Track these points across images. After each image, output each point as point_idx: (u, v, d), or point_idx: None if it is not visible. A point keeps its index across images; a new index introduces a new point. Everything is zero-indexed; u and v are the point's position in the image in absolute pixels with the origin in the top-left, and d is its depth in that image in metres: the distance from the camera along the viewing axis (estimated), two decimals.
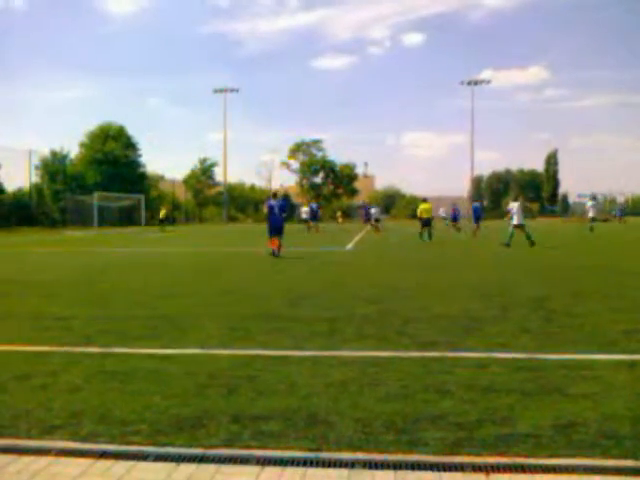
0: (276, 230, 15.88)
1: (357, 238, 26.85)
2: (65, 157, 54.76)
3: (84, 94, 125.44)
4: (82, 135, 60.93)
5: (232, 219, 74.23)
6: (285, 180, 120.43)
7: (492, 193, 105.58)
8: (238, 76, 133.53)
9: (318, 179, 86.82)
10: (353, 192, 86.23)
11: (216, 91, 66.75)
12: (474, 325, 6.13)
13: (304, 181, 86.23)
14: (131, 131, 63.04)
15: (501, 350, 5.01)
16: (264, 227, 17.53)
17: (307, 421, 3.44)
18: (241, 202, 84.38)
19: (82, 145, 60.09)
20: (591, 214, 30.12)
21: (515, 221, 19.23)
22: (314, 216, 37.26)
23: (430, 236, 23.08)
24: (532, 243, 18.63)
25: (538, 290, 8.78)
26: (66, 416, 3.55)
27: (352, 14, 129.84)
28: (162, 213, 43.17)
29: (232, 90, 66.56)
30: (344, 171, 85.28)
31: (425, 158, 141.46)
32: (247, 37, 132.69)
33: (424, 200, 24.06)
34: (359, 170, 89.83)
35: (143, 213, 52.43)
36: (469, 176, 72.58)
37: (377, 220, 35.25)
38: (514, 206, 19.45)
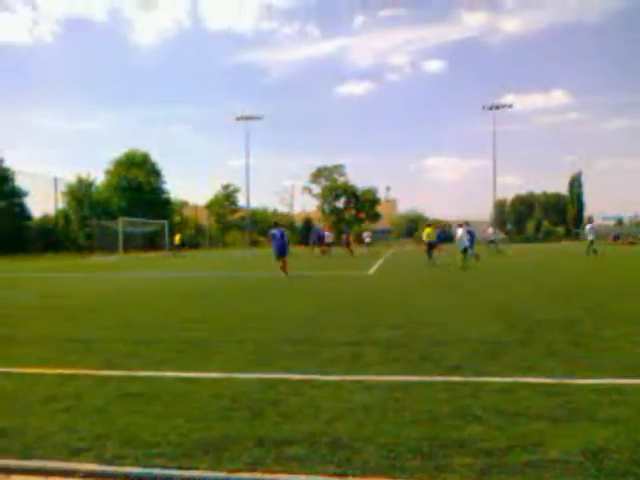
0: (281, 253, 18.60)
1: (379, 262, 26.76)
2: (91, 184, 55.77)
3: (110, 123, 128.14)
4: (108, 162, 62.19)
5: (254, 243, 74.60)
6: (307, 205, 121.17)
7: (516, 216, 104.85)
8: (261, 104, 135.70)
9: (340, 204, 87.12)
10: (376, 216, 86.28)
11: (238, 119, 67.45)
12: (499, 349, 6.05)
13: (325, 206, 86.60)
14: (155, 158, 64.17)
15: (528, 374, 4.93)
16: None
17: (331, 446, 3.41)
18: (263, 226, 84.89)
19: (108, 172, 61.30)
20: (590, 237, 29.26)
21: (462, 245, 21.44)
22: (320, 239, 38.01)
23: (430, 256, 23.74)
24: (464, 267, 20.64)
25: (563, 312, 8.64)
26: (91, 438, 3.56)
27: (372, 42, 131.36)
28: (177, 239, 43.61)
29: (254, 118, 67.33)
30: (366, 196, 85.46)
31: (448, 182, 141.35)
32: (270, 66, 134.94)
33: (428, 225, 25.40)
34: (381, 194, 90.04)
35: (167, 238, 52.94)
36: (492, 199, 72.09)
37: (369, 244, 39.47)
38: (458, 232, 21.81)
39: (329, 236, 38.75)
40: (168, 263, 29.64)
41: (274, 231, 19.07)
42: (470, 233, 27.83)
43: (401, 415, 3.92)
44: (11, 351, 6.34)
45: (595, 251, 28.49)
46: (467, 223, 29.04)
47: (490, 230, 32.91)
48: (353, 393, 4.46)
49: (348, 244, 37.99)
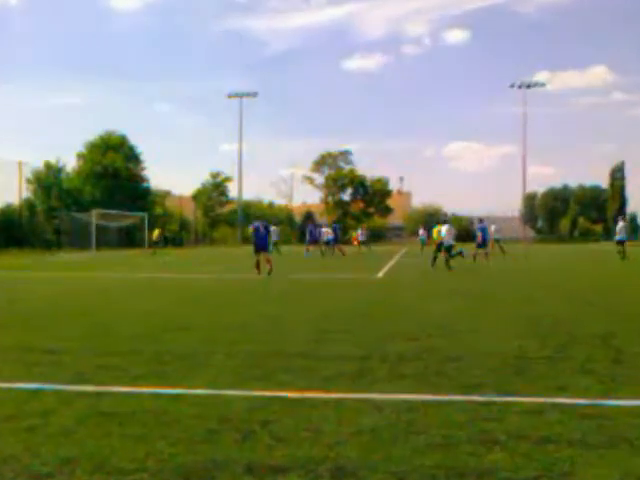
0: (261, 247, 19.99)
1: (390, 264, 26.80)
2: (60, 170, 55.84)
3: (83, 100, 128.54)
4: (80, 146, 62.24)
5: (247, 240, 74.54)
6: (308, 197, 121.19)
7: (548, 212, 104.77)
8: (256, 80, 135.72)
9: (346, 196, 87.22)
10: (387, 210, 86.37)
11: (230, 96, 67.55)
12: (525, 364, 6.07)
13: (330, 198, 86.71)
14: (134, 141, 64.20)
15: (559, 395, 4.94)
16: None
17: (333, 474, 3.42)
18: (277, 219, 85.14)
19: (80, 156, 61.32)
20: (619, 237, 28.86)
21: (445, 242, 22.30)
22: (313, 238, 39.12)
23: (434, 260, 23.24)
24: (449, 267, 21.54)
25: (599, 325, 8.65)
26: (57, 463, 3.58)
27: (385, 8, 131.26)
28: (155, 234, 43.43)
29: (249, 95, 67.30)
30: (376, 186, 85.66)
31: (470, 172, 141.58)
32: (267, 36, 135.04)
33: (444, 222, 24.80)
34: (393, 185, 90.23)
35: (146, 233, 53.03)
36: (521, 193, 72.10)
37: (364, 242, 40.97)
38: (443, 229, 22.59)
39: (326, 232, 39.44)
40: (147, 263, 29.70)
41: (256, 224, 20.48)
42: (483, 230, 28.11)
43: (413, 440, 3.93)
44: None
45: (622, 253, 28.18)
46: (481, 220, 29.34)
47: (493, 228, 33.35)
48: (358, 414, 4.47)
49: (336, 243, 37.80)
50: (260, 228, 20.21)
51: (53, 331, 8.43)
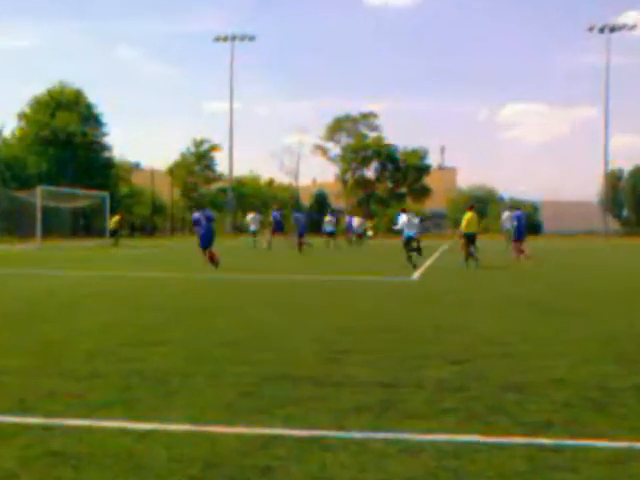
0: (208, 243, 22.12)
1: (429, 262, 26.78)
2: None
3: (29, 43, 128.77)
4: (22, 103, 62.43)
5: (239, 229, 74.36)
6: (320, 172, 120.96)
7: (637, 197, 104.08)
8: (252, 18, 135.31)
9: (370, 172, 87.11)
10: (423, 192, 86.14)
11: (218, 39, 67.60)
12: (608, 397, 6.04)
13: (348, 175, 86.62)
14: (93, 98, 64.45)
15: None
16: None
17: None
18: (254, 204, 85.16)
19: (22, 117, 61.52)
20: None
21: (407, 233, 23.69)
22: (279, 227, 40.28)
23: (473, 257, 23.89)
24: (412, 264, 22.57)
25: None
26: None
27: None
28: (113, 221, 43.75)
29: (243, 38, 67.28)
30: (409, 160, 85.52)
31: (533, 143, 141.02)
32: None
33: (469, 208, 25.87)
34: (432, 160, 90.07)
35: (107, 218, 53.17)
36: (601, 171, 71.84)
37: (360, 236, 42.79)
38: (402, 218, 24.04)
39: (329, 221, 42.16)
40: (108, 257, 29.83)
41: (197, 215, 22.83)
42: (519, 219, 28.54)
43: None
44: None
45: None
46: (514, 207, 30.00)
47: (506, 214, 34.32)
48: (385, 460, 4.47)
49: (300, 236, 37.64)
50: (202, 220, 22.38)
51: None
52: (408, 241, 23.38)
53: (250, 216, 43.42)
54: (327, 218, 43.34)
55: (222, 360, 7.64)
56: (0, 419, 5.29)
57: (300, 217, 40.07)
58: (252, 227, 42.13)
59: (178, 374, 6.87)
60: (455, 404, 5.81)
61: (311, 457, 4.51)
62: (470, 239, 24.55)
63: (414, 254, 23.35)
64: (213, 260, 21.81)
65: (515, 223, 28.44)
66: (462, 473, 4.24)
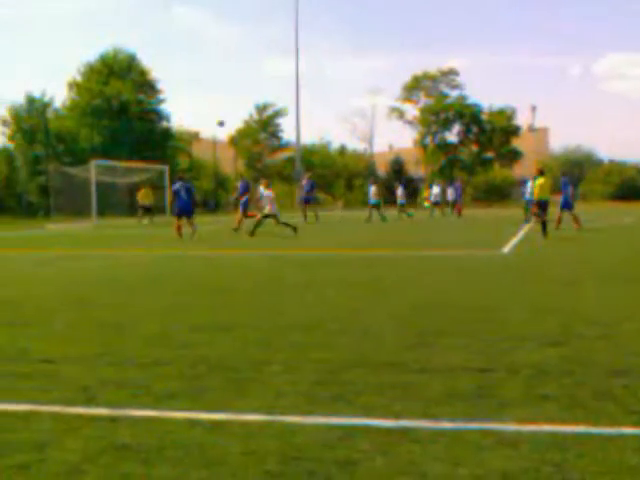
0: (185, 212, 25.98)
1: (520, 234, 26.47)
2: (47, 106, 56.90)
3: (76, 5, 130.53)
4: (73, 70, 63.18)
5: (308, 202, 74.53)
6: (397, 138, 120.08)
7: None
8: None
9: (452, 136, 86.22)
10: (513, 156, 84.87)
11: None
12: None
13: (428, 139, 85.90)
14: (148, 62, 64.99)
15: None
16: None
17: None
18: (324, 175, 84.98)
19: (73, 86, 62.21)
20: None
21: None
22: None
23: (544, 225, 24.06)
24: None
25: None
26: None
27: None
28: (141, 195, 43.68)
29: None
30: (496, 121, 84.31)
31: (637, 98, 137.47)
32: None
33: (540, 172, 26.36)
34: (522, 120, 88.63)
35: (167, 193, 53.62)
36: None
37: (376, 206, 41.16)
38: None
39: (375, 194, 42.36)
40: (167, 236, 30.18)
41: (176, 186, 26.43)
42: (565, 187, 28.96)
43: None
44: None
45: None
46: (564, 173, 30.76)
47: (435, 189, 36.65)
48: (480, 452, 4.43)
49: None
50: (182, 191, 26.06)
51: (46, 332, 8.67)
52: (542, 206, 24.16)
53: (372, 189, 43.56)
54: (373, 188, 43.16)
55: (296, 345, 7.67)
56: (63, 410, 5.40)
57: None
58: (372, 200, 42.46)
59: (248, 360, 6.92)
60: (555, 390, 5.74)
61: (398, 450, 4.48)
62: (543, 206, 24.88)
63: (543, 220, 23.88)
64: (179, 231, 25.61)
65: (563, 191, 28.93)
66: (566, 467, 4.17)
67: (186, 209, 26.06)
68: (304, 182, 41.91)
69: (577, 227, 27.70)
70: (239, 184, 38.37)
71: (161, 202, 47.37)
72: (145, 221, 42.01)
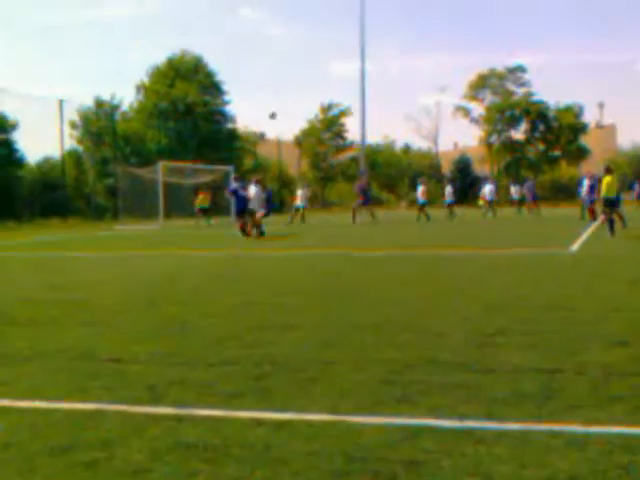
0: (242, 211, 27.58)
1: (589, 232, 26.16)
2: (116, 108, 57.62)
3: (140, 10, 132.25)
4: (142, 74, 63.95)
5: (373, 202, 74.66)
6: (462, 137, 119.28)
7: None
8: None
9: (519, 134, 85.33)
10: (581, 153, 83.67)
11: None
12: None
13: (494, 137, 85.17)
14: (214, 64, 65.41)
15: None
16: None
17: None
18: (389, 174, 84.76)
19: (141, 88, 62.98)
20: None
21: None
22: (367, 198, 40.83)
23: (611, 226, 23.82)
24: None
25: None
26: None
27: None
28: (199, 200, 43.70)
29: None
30: (563, 119, 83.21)
31: None
32: None
33: (608, 170, 25.70)
34: (590, 117, 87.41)
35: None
36: None
37: (297, 210, 41.17)
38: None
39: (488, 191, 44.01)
40: (233, 237, 30.40)
41: (234, 186, 28.92)
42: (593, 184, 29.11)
43: None
44: None
45: None
46: (590, 173, 30.92)
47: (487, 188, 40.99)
48: (548, 453, 4.39)
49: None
50: (239, 191, 28.11)
51: (114, 330, 8.82)
52: (608, 204, 24.10)
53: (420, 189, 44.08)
54: (489, 186, 44.60)
55: (361, 345, 7.68)
56: (130, 409, 5.48)
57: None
58: (421, 198, 42.82)
59: (314, 360, 6.95)
60: (625, 392, 5.66)
61: (464, 450, 4.47)
62: (611, 204, 24.51)
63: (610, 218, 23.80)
64: (250, 229, 27.16)
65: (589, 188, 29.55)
66: (634, 469, 4.12)
67: (243, 207, 27.70)
68: (356, 188, 41.83)
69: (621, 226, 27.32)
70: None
71: (226, 203, 47.62)
72: (203, 222, 42.21)
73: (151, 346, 7.76)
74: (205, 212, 43.55)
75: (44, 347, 7.86)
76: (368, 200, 39.86)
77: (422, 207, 41.25)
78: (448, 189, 45.45)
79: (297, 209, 42.30)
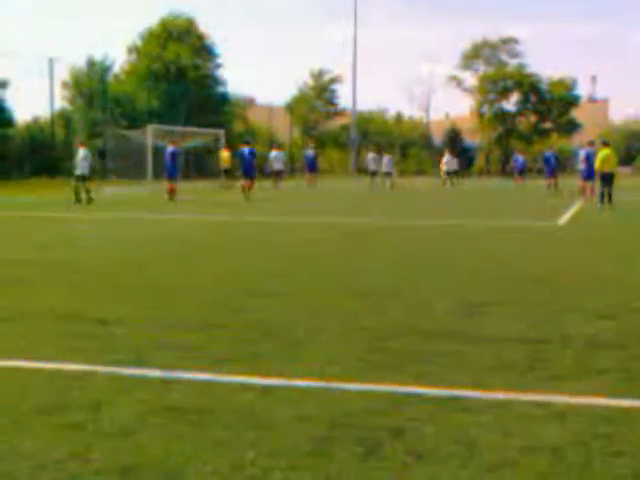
0: (248, 173, 29.94)
1: (576, 205, 26.19)
2: (107, 69, 57.16)
3: None
4: (134, 36, 63.37)
5: (363, 170, 74.37)
6: (455, 106, 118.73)
7: None
8: None
9: (510, 105, 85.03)
10: (572, 127, 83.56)
11: None
12: None
13: (485, 107, 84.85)
14: (205, 27, 64.87)
15: None
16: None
17: None
18: (380, 142, 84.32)
19: (133, 50, 62.51)
20: None
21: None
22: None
23: (610, 198, 24.17)
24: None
25: None
26: (114, 471, 3.75)
27: None
28: (225, 157, 43.15)
29: None
30: (555, 91, 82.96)
31: None
32: None
33: (604, 144, 25.88)
34: (582, 90, 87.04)
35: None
36: None
37: (388, 174, 42.27)
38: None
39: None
40: (224, 201, 30.34)
41: (243, 149, 30.59)
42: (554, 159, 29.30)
43: (614, 464, 3.86)
44: None
45: None
46: (552, 147, 31.63)
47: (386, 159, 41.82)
48: (531, 423, 4.43)
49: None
50: (246, 154, 30.25)
51: (100, 292, 8.83)
52: (605, 178, 24.31)
53: (370, 156, 44.71)
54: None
55: (349, 312, 7.71)
56: (116, 372, 5.51)
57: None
58: (371, 167, 43.62)
59: (302, 326, 6.98)
60: (609, 364, 5.71)
61: (448, 419, 4.51)
62: (606, 179, 24.49)
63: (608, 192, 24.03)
64: (249, 189, 29.14)
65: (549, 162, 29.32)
66: (617, 441, 4.16)
67: (249, 169, 29.98)
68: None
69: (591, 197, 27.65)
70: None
71: (216, 166, 47.37)
72: (226, 184, 41.81)
73: (138, 309, 7.78)
74: (227, 172, 42.93)
75: (29, 307, 7.87)
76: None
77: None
78: (447, 157, 45.42)
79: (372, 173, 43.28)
